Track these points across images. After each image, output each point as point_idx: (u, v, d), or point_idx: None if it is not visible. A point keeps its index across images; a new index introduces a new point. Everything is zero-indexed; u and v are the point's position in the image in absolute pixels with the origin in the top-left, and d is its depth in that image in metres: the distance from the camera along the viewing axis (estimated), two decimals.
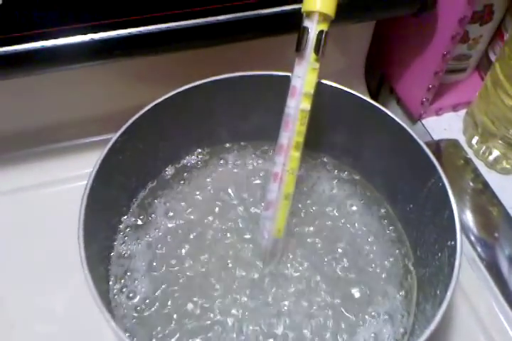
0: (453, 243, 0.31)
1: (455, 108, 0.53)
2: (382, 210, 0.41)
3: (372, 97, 0.57)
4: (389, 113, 0.36)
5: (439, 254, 0.33)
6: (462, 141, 0.51)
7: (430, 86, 0.48)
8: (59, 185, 0.44)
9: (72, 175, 0.43)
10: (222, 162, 0.43)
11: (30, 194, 0.44)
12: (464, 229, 0.46)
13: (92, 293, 0.28)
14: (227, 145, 0.44)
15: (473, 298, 0.41)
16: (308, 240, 0.39)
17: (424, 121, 0.53)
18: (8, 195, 0.44)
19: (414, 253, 0.38)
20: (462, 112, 0.53)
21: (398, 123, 0.35)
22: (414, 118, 0.53)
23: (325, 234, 0.39)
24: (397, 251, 0.39)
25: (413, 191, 0.37)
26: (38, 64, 0.35)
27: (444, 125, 0.53)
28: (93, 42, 0.34)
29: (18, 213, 0.43)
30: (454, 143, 0.51)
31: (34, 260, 0.40)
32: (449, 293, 0.28)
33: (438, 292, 0.31)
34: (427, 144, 0.50)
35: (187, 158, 0.43)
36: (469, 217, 0.47)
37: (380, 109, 0.37)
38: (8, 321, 0.37)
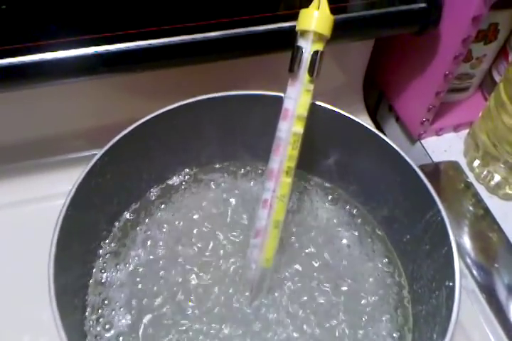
0: (451, 284, 0.29)
1: (456, 128, 0.51)
2: (376, 240, 0.38)
3: (370, 114, 0.55)
4: (387, 139, 0.34)
5: (437, 293, 0.31)
6: (463, 163, 0.49)
7: (431, 106, 0.46)
8: (37, 204, 0.42)
9: (51, 193, 0.41)
10: (209, 183, 0.41)
11: (5, 212, 0.41)
12: (462, 254, 0.44)
13: (58, 326, 0.26)
14: (216, 165, 0.42)
15: (469, 329, 0.39)
16: (297, 273, 0.37)
17: (423, 142, 0.51)
18: None
19: (411, 288, 0.36)
20: (463, 133, 0.51)
21: (396, 151, 0.33)
22: (414, 139, 0.51)
23: (315, 265, 0.37)
24: (392, 284, 0.37)
25: (410, 222, 0.35)
26: (34, 78, 0.33)
27: (445, 146, 0.51)
28: (88, 56, 0.32)
29: None
30: (454, 166, 0.49)
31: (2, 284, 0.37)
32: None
33: (435, 335, 0.29)
34: (426, 166, 0.50)
35: (173, 178, 0.41)
36: (468, 243, 0.45)
37: (377, 134, 0.35)
38: None
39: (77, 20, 0.33)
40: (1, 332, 0.36)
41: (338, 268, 0.37)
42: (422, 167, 0.48)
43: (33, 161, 0.44)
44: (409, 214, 0.35)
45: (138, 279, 0.35)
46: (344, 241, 0.39)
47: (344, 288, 0.36)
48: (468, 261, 0.44)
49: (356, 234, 0.39)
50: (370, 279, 0.37)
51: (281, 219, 0.35)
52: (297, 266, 0.37)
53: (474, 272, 0.43)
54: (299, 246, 0.38)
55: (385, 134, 0.56)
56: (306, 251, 0.38)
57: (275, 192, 0.34)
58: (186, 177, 0.41)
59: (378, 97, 0.57)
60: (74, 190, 0.30)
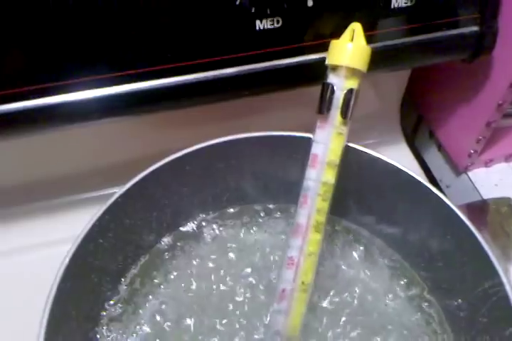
0: None
1: (508, 158, 0.45)
2: (424, 303, 0.33)
3: (408, 141, 0.49)
4: (440, 194, 0.29)
5: None
6: None
7: (480, 137, 0.41)
8: (35, 251, 0.38)
9: (50, 239, 0.37)
10: (228, 229, 0.36)
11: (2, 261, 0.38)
12: None
13: None
14: (235, 209, 0.37)
15: None
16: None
17: (470, 174, 0.45)
18: None
19: None
20: None
21: (448, 206, 0.28)
22: (459, 171, 0.45)
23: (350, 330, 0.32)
24: None
25: (463, 286, 0.30)
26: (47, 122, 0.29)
27: (495, 179, 0.45)
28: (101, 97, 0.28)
29: None
30: (506, 203, 0.43)
31: None
32: None
33: None
34: (472, 205, 0.44)
35: (187, 225, 0.36)
36: None
37: (424, 184, 0.29)
38: None
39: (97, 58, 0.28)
40: None
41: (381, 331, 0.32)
42: (468, 205, 0.43)
43: (38, 203, 0.40)
44: (461, 278, 0.30)
45: None
46: (390, 297, 0.34)
47: None
48: None
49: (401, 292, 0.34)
50: None
51: (309, 281, 0.30)
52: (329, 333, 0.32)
53: None
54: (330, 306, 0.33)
55: (425, 163, 0.51)
56: (335, 314, 0.33)
57: (303, 250, 0.30)
58: (203, 223, 0.36)
59: (417, 120, 0.52)
60: (68, 259, 0.26)
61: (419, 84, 0.46)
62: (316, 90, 0.28)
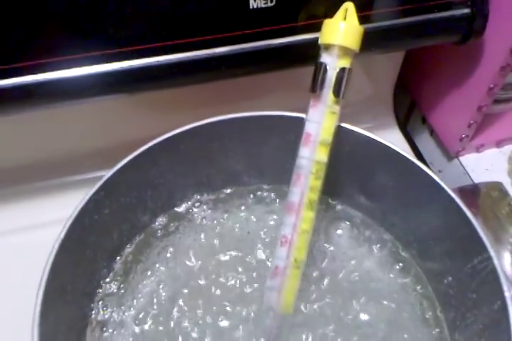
0: None
1: (499, 144, 0.46)
2: (412, 276, 0.34)
3: (401, 126, 0.50)
4: (422, 167, 0.29)
5: None
6: (507, 183, 0.44)
7: (471, 121, 0.41)
8: (31, 231, 0.38)
9: (49, 219, 0.37)
10: (222, 210, 0.37)
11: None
12: None
13: None
14: (229, 190, 0.37)
15: None
16: (320, 319, 0.32)
17: (462, 159, 0.46)
18: None
19: (452, 336, 0.31)
20: (507, 149, 0.46)
21: (438, 183, 0.29)
22: (451, 156, 0.46)
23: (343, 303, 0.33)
24: (429, 330, 0.32)
25: (453, 263, 0.30)
26: (45, 98, 0.29)
27: (486, 164, 0.45)
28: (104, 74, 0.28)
29: None
30: (497, 187, 0.44)
31: None
32: None
33: None
34: (463, 188, 0.44)
35: (183, 205, 0.37)
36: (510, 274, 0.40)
37: (414, 162, 0.30)
38: None
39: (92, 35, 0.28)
40: None
41: (367, 307, 0.33)
42: (460, 189, 0.44)
43: (31, 184, 0.40)
44: (451, 254, 0.30)
45: (144, 323, 0.32)
46: (372, 277, 0.34)
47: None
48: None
49: (388, 269, 0.34)
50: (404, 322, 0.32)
51: (302, 258, 0.30)
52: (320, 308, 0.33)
53: None
54: (320, 286, 0.34)
55: (417, 149, 0.52)
56: (330, 293, 0.33)
57: (296, 228, 0.30)
58: (196, 204, 0.37)
59: (410, 106, 0.52)
60: (63, 233, 0.26)
61: (412, 71, 0.47)
62: (308, 71, 0.29)
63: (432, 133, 0.49)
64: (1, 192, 0.40)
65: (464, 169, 0.45)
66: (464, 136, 0.43)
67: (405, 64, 0.45)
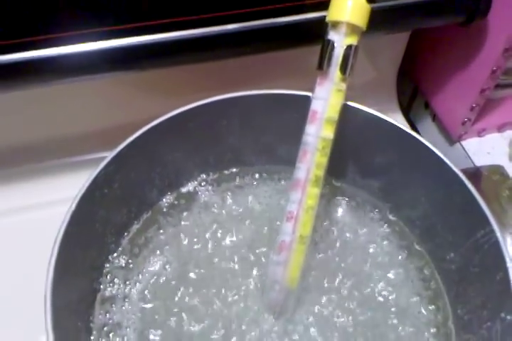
0: (509, 317, 0.24)
1: (500, 128, 0.46)
2: (415, 254, 0.34)
3: (404, 111, 0.50)
4: (431, 146, 0.30)
5: (489, 324, 0.27)
6: (508, 166, 0.45)
7: (474, 105, 0.42)
8: (40, 210, 0.39)
9: (55, 199, 0.37)
10: (227, 190, 0.37)
11: (5, 219, 0.38)
12: None
13: None
14: (235, 170, 0.38)
15: None
16: (324, 294, 0.33)
17: (464, 143, 0.46)
18: None
19: (454, 312, 0.32)
20: (509, 133, 0.46)
21: (443, 160, 0.29)
22: (453, 140, 0.46)
23: (346, 281, 0.33)
24: (432, 306, 0.33)
25: (455, 239, 0.31)
26: (47, 74, 0.30)
27: (487, 148, 0.46)
28: (97, 51, 0.29)
29: None
30: (498, 170, 0.44)
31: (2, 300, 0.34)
32: None
33: None
34: (466, 170, 0.45)
35: (189, 184, 0.37)
36: None
37: (418, 139, 0.30)
38: None
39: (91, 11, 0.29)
40: None
41: (369, 283, 0.33)
42: (464, 172, 0.44)
43: (37, 164, 0.41)
44: (454, 230, 0.31)
45: (150, 297, 0.32)
46: (375, 254, 0.35)
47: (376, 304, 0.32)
48: None
49: (390, 247, 0.35)
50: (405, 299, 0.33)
51: (307, 233, 0.31)
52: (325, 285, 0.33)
53: None
54: (326, 262, 0.34)
55: (419, 133, 0.52)
56: (335, 266, 0.34)
57: (301, 204, 0.31)
58: (202, 183, 0.37)
59: (413, 93, 0.53)
60: (74, 205, 0.26)
61: (415, 57, 0.47)
62: (314, 52, 0.29)
63: (435, 118, 0.49)
64: (8, 172, 0.40)
65: (466, 153, 0.46)
66: (466, 119, 0.43)
67: (408, 51, 0.45)
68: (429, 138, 0.51)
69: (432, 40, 0.44)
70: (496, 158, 0.45)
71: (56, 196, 0.39)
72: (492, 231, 0.27)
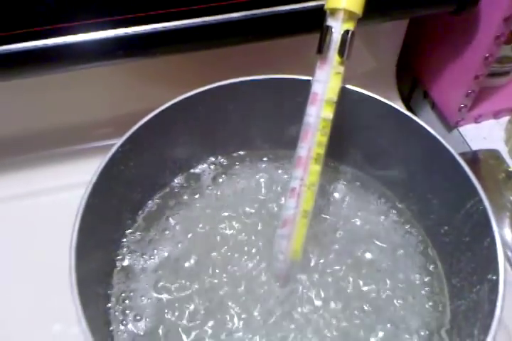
0: (494, 278, 0.26)
1: (496, 115, 0.48)
2: (413, 230, 0.36)
3: (404, 102, 0.52)
4: (424, 124, 0.32)
5: (478, 287, 0.29)
6: (504, 151, 0.47)
7: (469, 91, 0.44)
8: (59, 193, 0.41)
9: (73, 182, 0.39)
10: (235, 172, 0.40)
11: (27, 202, 0.41)
12: (504, 248, 0.41)
13: (79, 315, 0.25)
14: (242, 153, 0.40)
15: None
16: (328, 268, 0.35)
17: (461, 129, 0.48)
18: (3, 202, 0.41)
19: (448, 282, 0.34)
20: (504, 120, 0.48)
21: (434, 137, 0.31)
22: (451, 126, 0.48)
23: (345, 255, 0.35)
24: (429, 277, 0.35)
25: (449, 212, 0.33)
26: (59, 62, 0.32)
27: (484, 133, 0.48)
28: (107, 39, 0.31)
29: (11, 222, 0.40)
30: (494, 154, 0.47)
31: (24, 274, 0.37)
32: (489, 338, 0.24)
33: (476, 332, 0.27)
34: (464, 154, 0.47)
35: (199, 167, 0.40)
36: (509, 236, 0.42)
37: (413, 119, 0.33)
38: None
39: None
40: (31, 322, 0.36)
41: (369, 261, 0.35)
42: (461, 155, 0.46)
43: (54, 150, 0.44)
44: (447, 203, 0.33)
45: (164, 269, 0.34)
46: (375, 230, 0.37)
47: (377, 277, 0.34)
48: (510, 254, 0.42)
49: (388, 223, 0.37)
50: (403, 273, 0.35)
51: (309, 208, 0.33)
52: (328, 257, 0.35)
53: None
54: (329, 237, 0.37)
55: None
56: (336, 240, 0.36)
57: (303, 181, 0.33)
58: (211, 166, 0.40)
59: (412, 83, 0.55)
60: (95, 177, 0.29)
61: (414, 48, 0.49)
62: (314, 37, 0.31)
63: (433, 106, 0.51)
64: (26, 158, 0.43)
65: (463, 138, 0.48)
66: (462, 105, 0.45)
67: (407, 42, 0.48)
68: (428, 125, 0.53)
69: (429, 31, 0.46)
70: (492, 143, 0.47)
71: (71, 180, 0.41)
72: (480, 200, 0.29)
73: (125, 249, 0.34)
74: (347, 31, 0.30)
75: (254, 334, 0.32)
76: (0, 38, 0.29)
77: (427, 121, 0.52)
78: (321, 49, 0.31)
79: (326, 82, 0.32)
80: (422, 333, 0.32)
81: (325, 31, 0.31)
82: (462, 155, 0.47)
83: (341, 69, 0.32)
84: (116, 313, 0.32)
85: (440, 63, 0.46)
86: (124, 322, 0.32)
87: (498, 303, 0.25)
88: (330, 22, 0.31)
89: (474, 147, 0.47)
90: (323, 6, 0.31)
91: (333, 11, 0.30)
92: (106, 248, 0.33)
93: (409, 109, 0.54)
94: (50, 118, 0.43)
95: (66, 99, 0.41)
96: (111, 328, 0.31)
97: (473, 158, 0.47)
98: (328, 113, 0.32)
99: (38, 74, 0.33)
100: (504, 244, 0.42)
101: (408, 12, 0.36)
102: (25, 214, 0.41)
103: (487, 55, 0.40)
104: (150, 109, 0.33)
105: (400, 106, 0.49)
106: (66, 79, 0.37)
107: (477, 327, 0.27)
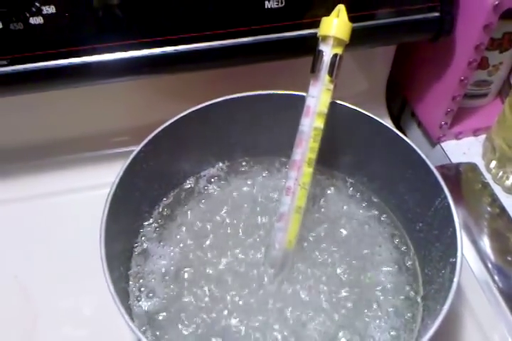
0: (454, 259, 0.31)
1: (475, 133, 0.54)
2: (393, 230, 0.42)
3: (394, 120, 0.58)
4: (398, 132, 0.38)
5: (443, 271, 0.34)
6: (481, 165, 0.52)
7: (448, 110, 0.49)
8: (85, 192, 0.47)
9: (96, 183, 0.46)
10: (240, 176, 0.45)
11: (58, 199, 0.47)
12: (481, 254, 0.46)
13: (111, 290, 0.31)
14: (246, 158, 0.46)
15: (484, 323, 0.41)
16: (319, 258, 0.40)
17: (443, 145, 0.54)
18: (37, 199, 0.47)
19: (422, 271, 0.39)
20: (482, 137, 0.54)
21: (409, 144, 0.37)
22: (434, 142, 0.54)
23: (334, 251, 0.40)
24: (406, 271, 0.39)
25: (421, 210, 0.38)
26: (86, 77, 0.39)
27: (464, 149, 0.53)
28: (135, 58, 0.38)
29: (48, 216, 0.46)
30: (473, 167, 0.52)
31: (60, 261, 0.43)
32: (445, 307, 0.29)
33: (438, 307, 0.32)
34: (447, 167, 0.52)
35: (208, 170, 0.45)
36: (486, 243, 0.47)
37: (390, 129, 0.38)
38: (32, 312, 0.40)
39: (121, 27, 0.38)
40: (64, 303, 0.41)
41: (353, 256, 0.40)
42: (442, 167, 0.52)
43: (84, 154, 0.50)
44: (421, 203, 0.38)
45: (177, 257, 0.39)
46: (360, 228, 0.42)
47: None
48: (487, 260, 0.46)
49: (373, 223, 0.42)
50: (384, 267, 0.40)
51: (302, 205, 0.38)
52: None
53: (492, 272, 0.45)
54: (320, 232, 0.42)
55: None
56: (323, 237, 0.41)
57: (297, 180, 0.38)
58: (220, 170, 0.45)
59: (402, 104, 0.60)
60: (122, 171, 0.35)
61: (402, 71, 0.55)
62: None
63: (419, 124, 0.57)
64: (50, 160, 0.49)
65: (445, 152, 0.53)
66: (443, 123, 0.51)
67: (396, 66, 0.54)
68: (415, 141, 0.59)
69: (414, 57, 0.53)
70: (471, 157, 0.53)
71: (93, 181, 0.47)
72: (445, 197, 0.34)
73: (143, 237, 0.40)
74: (336, 55, 0.36)
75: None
76: (49, 55, 0.35)
77: (413, 138, 0.59)
78: (314, 69, 0.37)
79: (318, 97, 0.37)
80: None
81: (317, 54, 0.37)
82: (444, 167, 0.53)
83: (331, 86, 0.38)
84: (134, 289, 0.37)
85: (423, 85, 0.52)
86: (139, 298, 0.37)
87: (456, 273, 0.30)
88: (321, 47, 0.37)
89: (454, 161, 0.52)
90: (316, 33, 0.37)
91: (324, 38, 0.36)
92: (127, 234, 0.38)
93: (398, 127, 0.59)
94: (76, 127, 0.49)
95: (90, 111, 0.48)
96: (129, 302, 0.36)
97: (455, 171, 0.52)
98: (320, 123, 0.38)
99: (74, 86, 0.39)
100: (483, 254, 0.46)
101: (390, 40, 0.42)
102: (53, 210, 0.47)
103: (462, 77, 0.46)
104: (163, 121, 0.38)
105: (387, 122, 0.56)
106: (92, 94, 0.43)
107: (440, 303, 0.32)
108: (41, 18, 0.34)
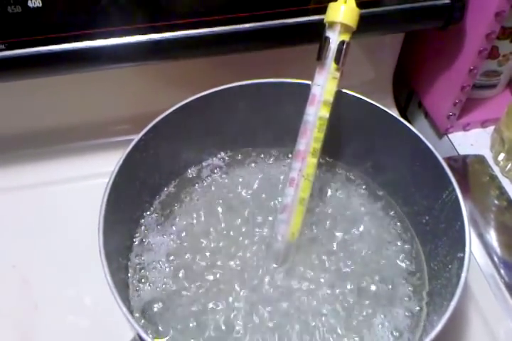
0: (462, 255, 0.31)
1: (483, 124, 0.53)
2: (399, 223, 0.41)
3: (401, 111, 0.57)
4: (405, 122, 0.37)
5: (450, 266, 0.33)
6: (489, 157, 0.51)
7: (457, 101, 0.48)
8: (84, 181, 0.47)
9: (96, 172, 0.45)
10: (242, 166, 0.44)
11: (59, 188, 0.46)
12: (487, 248, 0.45)
13: (109, 282, 0.30)
14: (249, 149, 0.45)
15: (490, 317, 0.40)
16: (323, 251, 0.39)
17: (450, 136, 0.53)
18: (36, 188, 0.46)
19: (428, 266, 0.38)
20: (491, 129, 0.53)
21: (417, 136, 0.36)
22: (441, 133, 0.53)
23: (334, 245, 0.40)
24: (411, 264, 0.39)
25: (429, 203, 0.37)
26: (94, 62, 0.38)
27: (471, 140, 0.52)
28: (144, 43, 0.37)
29: (47, 205, 0.45)
30: (481, 159, 0.51)
31: (59, 250, 0.42)
32: (453, 303, 0.28)
33: (445, 303, 0.31)
34: (454, 159, 0.51)
35: (210, 160, 0.44)
36: (493, 236, 0.46)
37: (398, 119, 0.37)
38: (32, 301, 0.40)
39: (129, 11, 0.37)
40: (63, 293, 0.41)
41: (358, 249, 0.39)
42: (449, 158, 0.51)
43: (84, 143, 0.49)
44: (427, 195, 0.37)
45: (178, 247, 0.39)
46: (366, 221, 0.41)
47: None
48: (493, 254, 0.45)
49: (378, 215, 0.41)
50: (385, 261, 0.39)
51: (306, 196, 0.37)
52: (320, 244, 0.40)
53: (498, 266, 0.44)
54: (322, 226, 0.41)
55: None
56: (328, 230, 0.40)
57: (301, 172, 0.37)
58: (222, 159, 0.44)
59: (409, 95, 0.59)
60: (122, 160, 0.34)
61: (410, 61, 0.54)
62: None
63: (426, 115, 0.56)
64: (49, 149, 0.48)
65: (452, 144, 0.52)
66: (451, 114, 0.50)
67: (404, 56, 0.53)
68: (421, 132, 0.57)
69: (422, 46, 0.51)
70: (478, 149, 0.52)
71: (92, 170, 0.47)
72: (453, 189, 0.33)
73: (143, 228, 0.39)
74: (342, 42, 0.35)
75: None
76: (48, 39, 0.34)
77: (420, 129, 0.57)
78: (320, 57, 0.36)
79: (324, 85, 0.36)
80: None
81: (324, 41, 0.35)
82: (451, 159, 0.52)
83: (337, 74, 0.36)
84: (134, 281, 0.36)
85: (431, 75, 0.50)
86: (138, 289, 0.36)
87: (464, 269, 0.29)
88: (328, 33, 0.36)
89: (462, 152, 0.51)
90: (323, 19, 0.36)
91: (331, 24, 0.35)
92: (127, 225, 0.38)
93: (405, 117, 0.58)
94: (76, 115, 0.48)
95: (90, 98, 0.47)
96: (128, 293, 0.35)
97: (462, 163, 0.51)
98: (325, 112, 0.37)
99: (74, 72, 0.38)
100: (489, 248, 0.45)
101: (398, 27, 0.41)
102: (52, 199, 0.46)
103: (472, 67, 0.45)
104: (163, 110, 0.37)
105: (394, 112, 0.55)
106: (92, 82, 0.42)
107: (447, 299, 0.31)
108: (40, 0, 0.33)
